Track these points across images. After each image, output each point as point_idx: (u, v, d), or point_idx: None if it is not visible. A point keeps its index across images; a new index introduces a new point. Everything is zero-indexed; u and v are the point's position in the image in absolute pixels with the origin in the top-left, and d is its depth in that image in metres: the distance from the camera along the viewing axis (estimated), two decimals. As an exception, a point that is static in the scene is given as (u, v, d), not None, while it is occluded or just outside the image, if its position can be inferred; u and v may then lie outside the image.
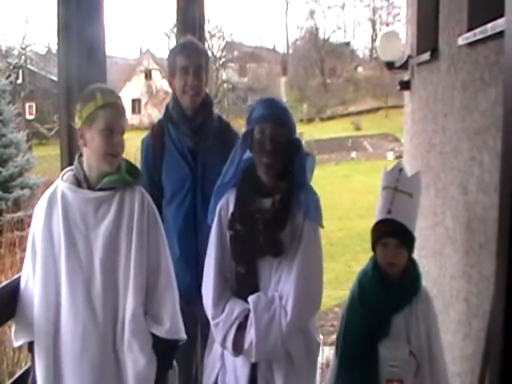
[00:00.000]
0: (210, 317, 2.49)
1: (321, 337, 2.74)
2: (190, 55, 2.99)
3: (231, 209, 2.50)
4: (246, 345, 2.40)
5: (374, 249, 2.57)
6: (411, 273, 2.55)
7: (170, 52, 3.10)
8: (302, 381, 2.54)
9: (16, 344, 2.32)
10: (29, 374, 2.37)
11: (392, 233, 2.49)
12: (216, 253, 2.51)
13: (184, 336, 2.41)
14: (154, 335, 2.30)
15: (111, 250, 2.24)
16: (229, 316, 2.44)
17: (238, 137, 2.90)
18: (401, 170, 2.57)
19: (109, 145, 2.23)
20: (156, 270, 2.33)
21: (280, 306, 2.40)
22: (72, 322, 2.21)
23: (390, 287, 2.52)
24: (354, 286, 2.65)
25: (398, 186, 2.53)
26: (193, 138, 2.99)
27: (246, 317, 2.43)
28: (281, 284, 2.44)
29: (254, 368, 2.47)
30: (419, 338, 2.48)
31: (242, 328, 2.42)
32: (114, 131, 2.23)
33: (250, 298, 2.43)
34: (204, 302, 2.54)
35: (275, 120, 2.44)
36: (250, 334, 2.39)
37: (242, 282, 2.49)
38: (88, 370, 2.21)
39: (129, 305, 2.25)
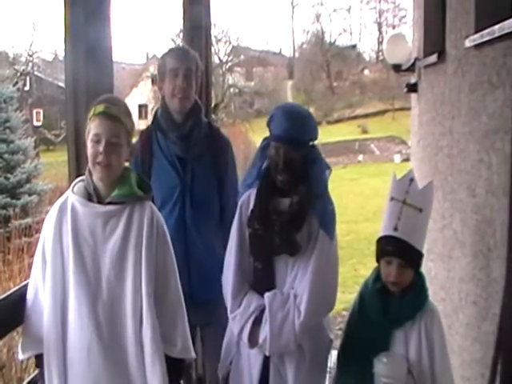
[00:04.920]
0: (228, 309, 2.59)
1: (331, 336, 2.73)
2: (181, 57, 2.95)
3: (251, 205, 2.57)
4: (261, 339, 2.50)
5: (378, 261, 2.47)
6: (415, 287, 2.42)
7: (161, 57, 3.05)
8: (313, 374, 2.60)
9: (22, 356, 2.31)
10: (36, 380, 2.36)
11: (396, 253, 2.37)
12: (236, 247, 2.60)
13: (193, 354, 2.42)
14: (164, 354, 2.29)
15: (118, 265, 2.23)
16: (246, 310, 2.54)
17: (228, 143, 2.95)
18: (411, 180, 2.43)
19: (94, 153, 2.21)
20: (164, 289, 2.31)
21: (294, 305, 2.48)
22: (78, 336, 2.20)
23: (390, 301, 2.41)
24: (356, 295, 2.59)
25: (407, 200, 2.38)
26: (181, 145, 2.94)
27: (262, 311, 2.52)
28: (296, 282, 2.51)
29: (267, 358, 2.57)
30: (420, 357, 2.36)
31: (257, 322, 2.53)
32: (100, 140, 2.21)
33: (266, 295, 2.52)
34: (224, 293, 2.63)
35: (289, 141, 2.47)
36: (265, 330, 2.49)
37: (260, 276, 2.58)
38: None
39: (146, 325, 2.23)
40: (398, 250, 2.37)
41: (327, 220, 2.52)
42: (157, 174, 2.96)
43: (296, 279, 2.51)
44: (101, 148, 2.20)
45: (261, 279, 2.57)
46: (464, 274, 3.33)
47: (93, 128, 2.23)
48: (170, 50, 3.04)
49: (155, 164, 2.97)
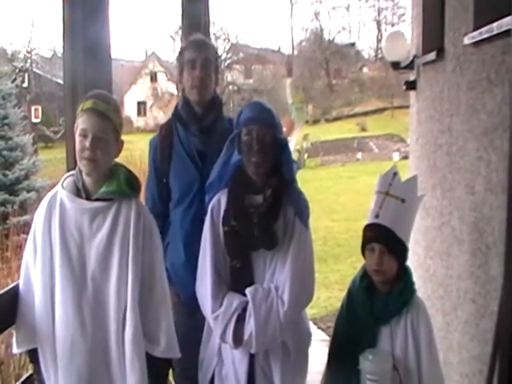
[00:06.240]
0: (208, 311, 2.54)
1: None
2: (198, 48, 2.94)
3: (223, 207, 2.59)
4: (246, 336, 2.48)
5: (363, 253, 2.50)
6: (402, 282, 2.44)
7: (179, 51, 3.04)
8: (296, 371, 2.63)
9: (17, 351, 2.32)
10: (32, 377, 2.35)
11: (377, 238, 2.40)
12: (211, 250, 2.59)
13: (178, 354, 2.40)
14: (147, 353, 2.28)
15: (104, 262, 2.23)
16: (228, 308, 2.51)
17: None
18: (395, 174, 2.49)
19: (81, 148, 2.23)
20: (150, 287, 2.31)
21: (277, 296, 2.50)
22: (63, 331, 2.21)
23: (376, 297, 2.43)
24: (345, 293, 2.60)
25: (390, 191, 2.44)
26: (201, 138, 2.92)
27: (244, 309, 2.51)
28: (275, 276, 2.54)
29: (252, 360, 2.56)
30: (406, 353, 2.37)
31: (240, 320, 2.51)
32: (87, 135, 2.22)
33: (248, 290, 2.52)
34: (200, 297, 2.60)
35: (261, 121, 2.55)
36: (250, 325, 2.48)
37: (238, 276, 2.57)
38: (76, 380, 2.20)
39: (129, 323, 2.23)
40: (379, 236, 2.41)
41: (302, 209, 2.58)
42: (176, 168, 2.94)
43: (275, 273, 2.53)
44: (87, 143, 2.22)
45: (239, 278, 2.56)
46: (462, 272, 3.34)
47: (80, 123, 2.25)
48: (188, 42, 3.04)
49: (174, 157, 2.95)
